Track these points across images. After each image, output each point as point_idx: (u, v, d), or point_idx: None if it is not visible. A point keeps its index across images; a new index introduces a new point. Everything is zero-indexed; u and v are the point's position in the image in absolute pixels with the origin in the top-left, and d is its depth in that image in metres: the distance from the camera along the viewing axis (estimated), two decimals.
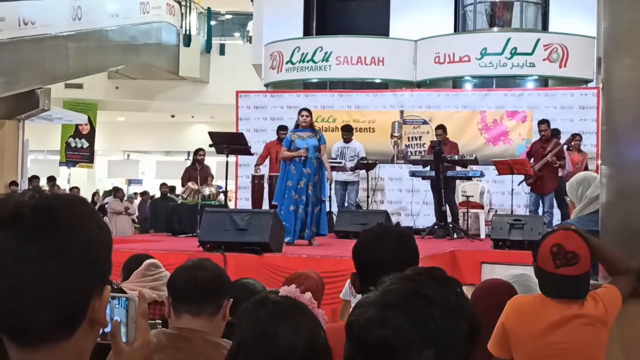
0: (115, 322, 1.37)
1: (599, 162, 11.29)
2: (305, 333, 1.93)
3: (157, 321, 3.49)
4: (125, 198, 22.43)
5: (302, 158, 9.55)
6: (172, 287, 2.72)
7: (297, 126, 9.84)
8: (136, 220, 19.05)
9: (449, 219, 11.57)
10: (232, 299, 2.73)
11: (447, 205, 11.85)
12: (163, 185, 18.05)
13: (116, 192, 18.49)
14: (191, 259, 2.89)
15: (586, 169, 11.43)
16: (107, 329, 1.35)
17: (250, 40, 23.31)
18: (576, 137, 12.18)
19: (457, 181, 12.24)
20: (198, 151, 13.24)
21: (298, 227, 9.51)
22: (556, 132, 12.15)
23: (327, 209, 12.26)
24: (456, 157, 11.63)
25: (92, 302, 1.25)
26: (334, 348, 1.94)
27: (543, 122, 11.87)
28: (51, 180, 18.68)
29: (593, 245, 3.32)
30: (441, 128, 12.27)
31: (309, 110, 9.86)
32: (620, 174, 3.89)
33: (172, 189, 18.30)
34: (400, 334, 1.36)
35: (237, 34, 25.00)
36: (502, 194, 13.21)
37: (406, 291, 1.43)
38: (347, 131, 12.95)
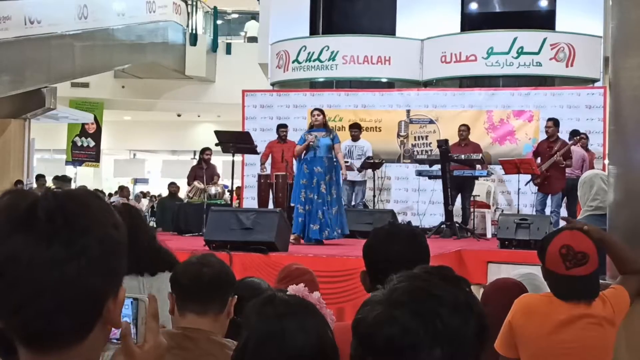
0: (126, 323, 1.34)
1: (606, 161, 11.29)
2: (312, 332, 1.93)
3: None
4: (132, 197, 22.47)
5: (314, 155, 9.57)
6: (177, 284, 2.68)
7: (311, 126, 9.87)
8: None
9: (457, 219, 11.58)
10: (236, 296, 2.71)
11: (462, 206, 11.90)
12: (171, 184, 18.01)
13: (121, 190, 18.43)
14: (195, 254, 2.85)
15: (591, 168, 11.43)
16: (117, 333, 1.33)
17: (249, 40, 23.39)
18: (582, 136, 12.13)
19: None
20: (205, 150, 13.25)
21: (321, 225, 9.52)
22: (575, 133, 12.12)
23: None
24: (462, 156, 11.62)
25: (108, 304, 1.23)
26: (342, 347, 1.93)
27: (549, 120, 11.90)
28: (58, 179, 18.64)
29: (609, 242, 3.31)
30: (465, 126, 12.35)
31: (320, 110, 9.96)
32: (628, 173, 3.88)
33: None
34: (408, 333, 1.35)
35: (243, 33, 25.02)
36: (508, 194, 13.21)
37: (414, 289, 1.42)
38: (356, 128, 12.97)
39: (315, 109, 9.97)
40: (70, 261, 1.16)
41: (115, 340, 1.33)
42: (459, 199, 11.93)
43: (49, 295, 1.15)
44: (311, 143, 9.60)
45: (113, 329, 1.29)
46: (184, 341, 2.51)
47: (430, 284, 1.43)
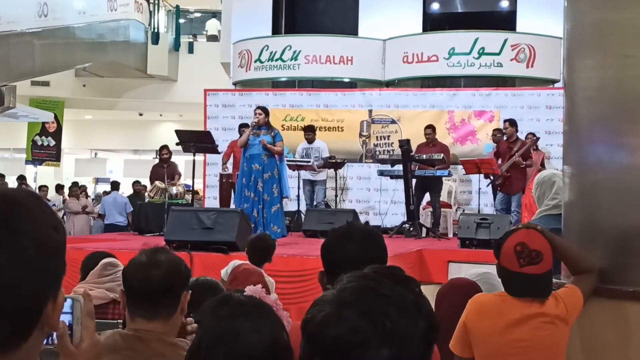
0: (62, 322, 1.32)
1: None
2: (266, 334, 1.92)
3: (118, 321, 3.44)
4: (93, 197, 22.16)
5: (253, 152, 9.55)
6: (127, 284, 2.60)
7: (254, 125, 9.83)
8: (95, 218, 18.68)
9: (424, 220, 11.64)
10: (190, 292, 2.64)
11: (432, 205, 11.96)
12: (136, 182, 17.85)
13: (71, 189, 18.05)
14: (145, 249, 2.70)
15: (542, 166, 11.59)
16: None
17: (209, 39, 23.27)
18: (530, 135, 12.24)
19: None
20: (162, 149, 13.12)
21: (255, 224, 9.48)
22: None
23: (296, 208, 12.30)
24: (424, 156, 11.67)
25: (47, 307, 1.19)
26: (297, 348, 1.93)
27: (505, 121, 12.05)
28: (21, 179, 18.40)
29: (557, 245, 3.33)
30: (430, 127, 12.40)
31: (261, 108, 9.91)
32: (581, 174, 3.91)
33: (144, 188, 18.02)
34: (356, 333, 1.35)
35: (205, 32, 24.89)
36: (469, 193, 13.30)
37: (363, 289, 1.41)
38: (310, 131, 12.97)
39: (258, 108, 9.95)
40: (11, 266, 1.12)
41: (51, 342, 1.31)
42: (425, 198, 12.01)
43: None
44: (254, 125, 9.62)
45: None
46: (135, 342, 2.47)
47: (379, 283, 1.42)
